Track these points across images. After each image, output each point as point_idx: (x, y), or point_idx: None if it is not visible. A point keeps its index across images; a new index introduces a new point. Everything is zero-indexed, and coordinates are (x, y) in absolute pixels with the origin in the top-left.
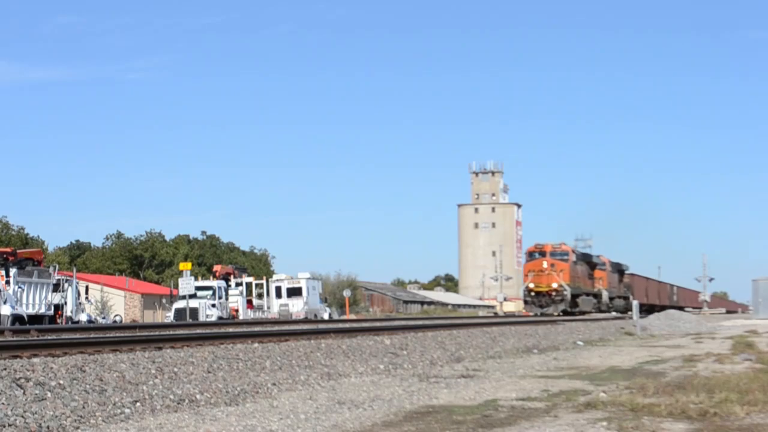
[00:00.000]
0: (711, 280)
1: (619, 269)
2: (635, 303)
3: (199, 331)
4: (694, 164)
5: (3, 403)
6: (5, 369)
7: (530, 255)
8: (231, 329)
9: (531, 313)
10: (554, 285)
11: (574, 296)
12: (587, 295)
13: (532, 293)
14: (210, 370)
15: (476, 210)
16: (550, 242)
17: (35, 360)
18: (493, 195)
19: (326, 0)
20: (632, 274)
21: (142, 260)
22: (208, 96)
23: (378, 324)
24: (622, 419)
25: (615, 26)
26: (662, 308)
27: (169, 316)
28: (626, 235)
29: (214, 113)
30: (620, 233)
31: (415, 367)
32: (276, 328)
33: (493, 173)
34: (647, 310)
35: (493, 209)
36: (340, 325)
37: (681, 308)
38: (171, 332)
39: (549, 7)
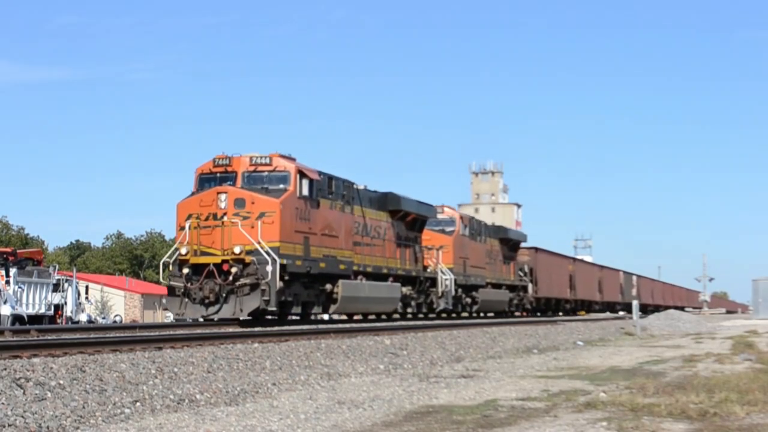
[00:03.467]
0: (711, 280)
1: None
2: (635, 303)
3: (199, 331)
4: (694, 164)
5: (3, 403)
6: (5, 369)
7: (201, 182)
8: (231, 329)
9: (174, 315)
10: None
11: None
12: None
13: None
14: (210, 370)
15: (476, 210)
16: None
17: (35, 360)
18: (493, 195)
19: (328, 0)
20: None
21: (142, 260)
22: (208, 96)
23: (378, 324)
24: (622, 419)
25: (615, 27)
26: (609, 306)
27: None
28: (626, 234)
29: (214, 113)
30: (620, 233)
31: (415, 367)
32: (276, 328)
33: (493, 173)
34: (587, 307)
35: (493, 209)
36: (340, 325)
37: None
38: (171, 332)
39: (548, 8)
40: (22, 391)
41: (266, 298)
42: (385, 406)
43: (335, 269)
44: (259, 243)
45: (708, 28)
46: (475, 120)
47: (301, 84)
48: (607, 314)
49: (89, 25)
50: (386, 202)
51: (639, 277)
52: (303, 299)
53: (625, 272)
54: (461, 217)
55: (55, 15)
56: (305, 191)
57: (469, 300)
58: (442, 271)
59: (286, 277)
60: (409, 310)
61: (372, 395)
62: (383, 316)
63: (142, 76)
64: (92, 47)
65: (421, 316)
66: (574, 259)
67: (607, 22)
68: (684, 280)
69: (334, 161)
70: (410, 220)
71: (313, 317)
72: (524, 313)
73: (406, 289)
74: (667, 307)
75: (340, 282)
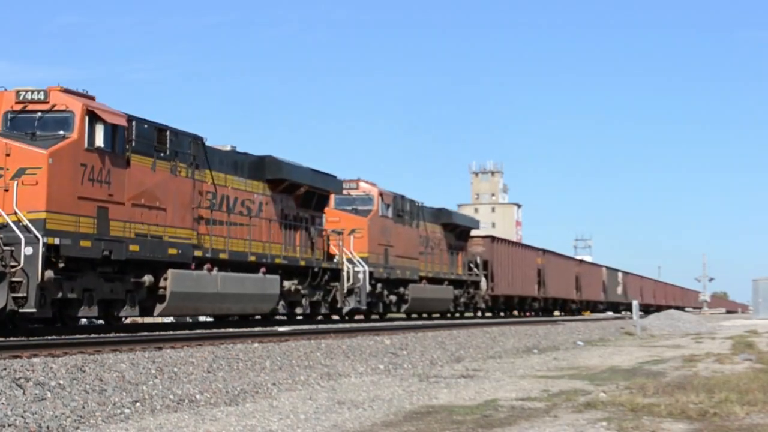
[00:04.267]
0: (711, 280)
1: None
2: (635, 303)
3: (199, 331)
4: (694, 164)
5: (3, 403)
6: (5, 369)
7: None
8: (231, 329)
9: None
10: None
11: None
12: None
13: None
14: (210, 370)
15: (476, 210)
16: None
17: (35, 360)
18: (493, 195)
19: (328, 1)
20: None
21: None
22: (209, 96)
23: (378, 324)
24: (622, 419)
25: (615, 27)
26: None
27: None
28: (626, 234)
29: (215, 113)
30: (620, 233)
31: (415, 367)
32: (276, 328)
33: (493, 173)
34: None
35: (493, 209)
36: (340, 325)
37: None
38: (171, 332)
39: (548, 8)
40: (22, 391)
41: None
42: (385, 406)
43: (161, 254)
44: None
45: (707, 28)
46: (475, 120)
47: (301, 84)
48: (607, 314)
49: (89, 25)
50: (263, 169)
51: (626, 273)
52: (100, 296)
53: (609, 268)
54: (382, 194)
55: (55, 15)
56: (99, 141)
57: (394, 298)
58: (351, 262)
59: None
60: (299, 310)
61: (372, 395)
62: (257, 317)
63: (142, 76)
64: (92, 47)
65: (320, 318)
66: (544, 251)
67: (607, 22)
68: (684, 280)
69: (335, 161)
70: (302, 195)
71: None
72: (478, 314)
73: (290, 283)
74: (659, 308)
75: (170, 273)
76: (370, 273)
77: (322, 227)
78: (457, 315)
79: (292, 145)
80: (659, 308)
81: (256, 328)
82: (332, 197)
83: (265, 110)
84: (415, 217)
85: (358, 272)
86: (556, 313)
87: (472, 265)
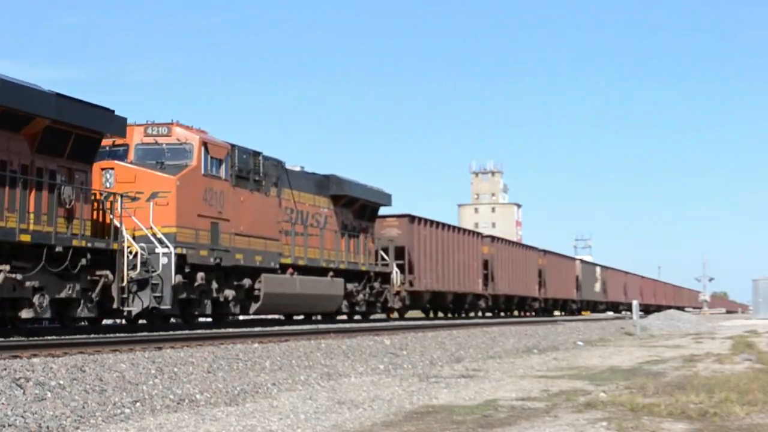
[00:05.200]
0: (711, 280)
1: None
2: (635, 303)
3: (199, 331)
4: (694, 164)
5: (3, 403)
6: (5, 369)
7: None
8: (231, 329)
9: None
10: None
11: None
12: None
13: None
14: (210, 370)
15: (476, 210)
16: None
17: (35, 360)
18: (493, 195)
19: (328, 2)
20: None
21: None
22: (209, 96)
23: (378, 324)
24: (622, 419)
25: (614, 27)
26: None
27: None
28: (626, 234)
29: (215, 113)
30: (620, 233)
31: (415, 367)
32: (276, 328)
33: (493, 173)
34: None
35: (493, 209)
36: (340, 325)
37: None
38: (171, 332)
39: (549, 8)
40: (22, 391)
41: None
42: (385, 406)
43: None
44: None
45: (706, 29)
46: (475, 120)
47: (301, 84)
48: (607, 314)
49: (90, 26)
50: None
51: (605, 268)
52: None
53: (584, 262)
54: (206, 144)
55: (56, 15)
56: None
57: (231, 293)
58: (148, 240)
59: None
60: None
61: (372, 395)
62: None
63: (145, 76)
64: (92, 47)
65: (84, 324)
66: (493, 239)
67: (607, 22)
68: (684, 280)
69: (334, 161)
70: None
71: None
72: (390, 315)
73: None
74: (648, 307)
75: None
76: (181, 256)
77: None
78: (358, 318)
79: (292, 145)
80: (649, 308)
81: (256, 329)
82: (132, 147)
83: (264, 110)
84: (278, 184)
85: (159, 255)
86: (503, 313)
87: (383, 254)
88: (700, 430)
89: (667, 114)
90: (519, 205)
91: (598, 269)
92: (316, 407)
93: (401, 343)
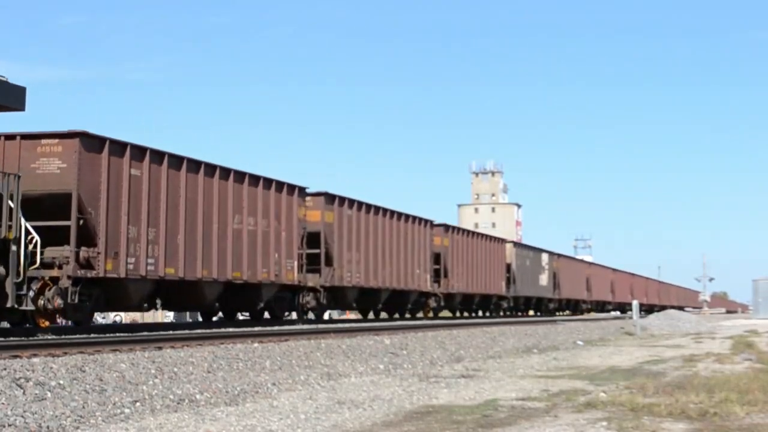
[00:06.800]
0: (711, 280)
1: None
2: (635, 303)
3: (199, 331)
4: (694, 164)
5: (3, 403)
6: (5, 369)
7: None
8: (231, 329)
9: None
10: None
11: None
12: None
13: None
14: (210, 370)
15: (476, 210)
16: None
17: (35, 360)
18: (493, 195)
19: (328, 2)
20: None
21: None
22: (210, 96)
23: (378, 324)
24: (622, 419)
25: (614, 27)
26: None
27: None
28: (626, 234)
29: (215, 113)
30: (620, 233)
31: (415, 367)
32: (276, 328)
33: (493, 173)
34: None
35: (493, 209)
36: (340, 325)
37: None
38: (171, 332)
39: (549, 9)
40: (22, 391)
41: None
42: (385, 406)
43: None
44: None
45: (706, 29)
46: (475, 120)
47: (301, 85)
48: (607, 314)
49: (90, 26)
50: None
51: (560, 256)
52: None
53: (521, 245)
54: None
55: (56, 15)
56: None
57: None
58: None
59: None
60: None
61: (372, 395)
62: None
63: (145, 76)
64: (92, 47)
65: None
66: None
67: (607, 22)
68: (684, 280)
69: (334, 161)
70: None
71: None
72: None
73: None
74: (622, 305)
75: None
76: None
77: None
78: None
79: (291, 145)
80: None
81: (256, 328)
82: None
83: (264, 110)
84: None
85: None
86: (384, 314)
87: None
88: (700, 430)
89: (667, 114)
90: (519, 205)
91: (545, 256)
92: (316, 407)
93: (401, 342)
